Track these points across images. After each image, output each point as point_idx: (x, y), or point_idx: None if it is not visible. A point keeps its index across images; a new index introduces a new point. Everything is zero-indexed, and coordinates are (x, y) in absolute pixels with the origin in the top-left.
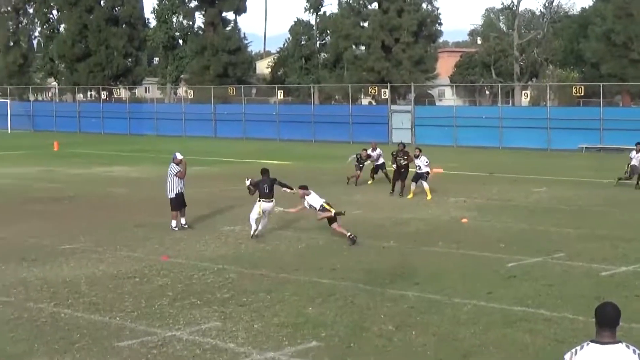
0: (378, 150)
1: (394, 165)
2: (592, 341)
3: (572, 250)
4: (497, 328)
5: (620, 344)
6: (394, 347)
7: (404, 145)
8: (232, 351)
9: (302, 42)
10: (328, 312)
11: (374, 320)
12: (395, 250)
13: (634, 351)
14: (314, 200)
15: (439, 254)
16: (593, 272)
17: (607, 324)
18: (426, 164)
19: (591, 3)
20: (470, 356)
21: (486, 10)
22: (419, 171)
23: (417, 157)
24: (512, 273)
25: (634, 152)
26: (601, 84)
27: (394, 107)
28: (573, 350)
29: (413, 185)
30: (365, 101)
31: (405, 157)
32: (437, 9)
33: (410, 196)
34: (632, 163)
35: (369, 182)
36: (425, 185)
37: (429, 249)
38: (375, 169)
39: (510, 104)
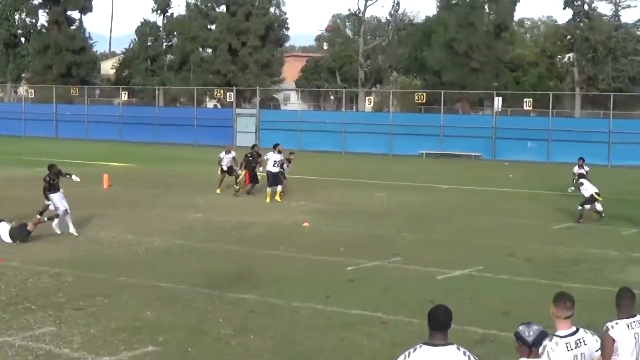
0: (231, 154)
1: (244, 168)
2: (424, 343)
3: (410, 254)
4: (335, 331)
5: (451, 345)
6: (232, 351)
7: (253, 146)
8: (66, 356)
9: (149, 43)
10: (166, 316)
11: (212, 324)
12: (236, 254)
13: (465, 353)
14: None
15: (279, 257)
16: (429, 275)
17: (438, 326)
18: (274, 164)
19: (435, 12)
20: (307, 359)
21: (333, 16)
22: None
23: (289, 160)
24: (351, 277)
25: (576, 167)
26: (442, 92)
27: (239, 110)
28: (406, 353)
29: (269, 190)
30: (210, 104)
31: (257, 160)
32: (285, 13)
33: (267, 200)
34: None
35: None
36: (279, 188)
37: (269, 252)
38: (229, 171)
39: (354, 110)
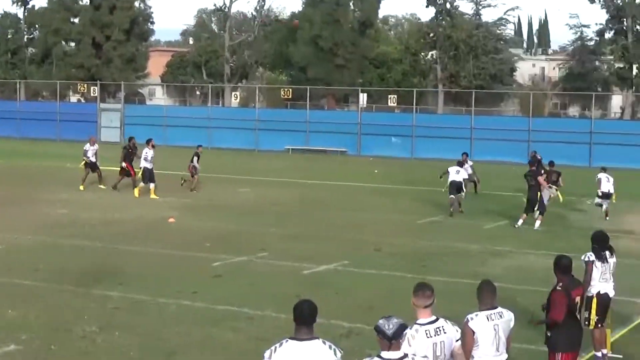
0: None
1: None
2: (290, 338)
3: (276, 250)
4: (202, 327)
5: (317, 339)
6: (98, 348)
7: (130, 139)
8: None
9: (9, 36)
10: (29, 315)
11: (77, 321)
12: (101, 250)
13: (330, 346)
14: None
15: (145, 253)
16: (296, 270)
17: (303, 321)
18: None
19: (300, 8)
20: (174, 355)
21: (198, 11)
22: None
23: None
24: (217, 272)
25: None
26: (308, 88)
27: (103, 105)
28: (272, 348)
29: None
30: (74, 98)
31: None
32: (150, 7)
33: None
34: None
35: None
36: (152, 185)
37: (135, 248)
38: (92, 167)
39: (220, 105)
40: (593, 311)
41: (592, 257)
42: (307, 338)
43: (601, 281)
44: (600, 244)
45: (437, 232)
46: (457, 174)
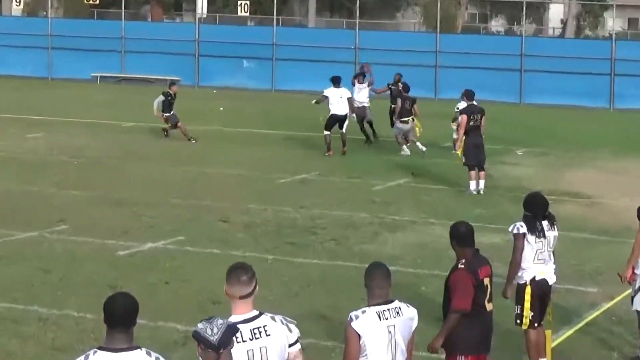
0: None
1: None
2: (100, 348)
3: (80, 221)
4: None
5: (138, 349)
6: None
7: None
8: None
9: None
10: None
11: None
12: None
13: (157, 358)
14: None
15: None
16: (107, 250)
17: (118, 323)
18: None
19: None
20: None
21: None
22: None
23: None
24: None
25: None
26: None
27: None
28: None
29: None
30: None
31: None
32: None
33: None
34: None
35: None
36: None
37: None
38: None
39: None
40: (527, 305)
41: (523, 229)
42: (123, 348)
43: (537, 262)
44: (536, 210)
45: (309, 195)
46: (340, 104)
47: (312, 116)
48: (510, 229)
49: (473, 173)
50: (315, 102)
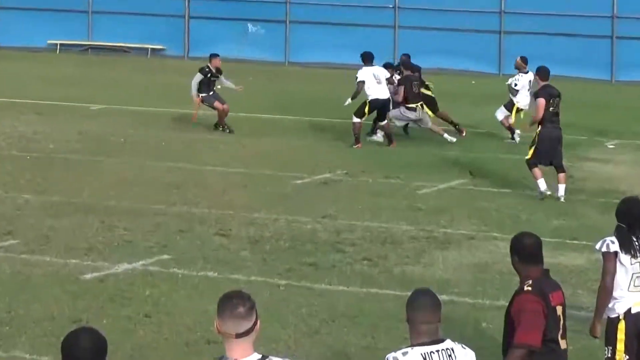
0: None
1: None
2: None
3: (33, 234)
4: None
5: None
6: None
7: None
8: None
9: None
10: None
11: None
12: None
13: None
14: None
15: None
16: (70, 273)
17: None
18: None
19: None
20: None
21: None
22: None
23: None
24: None
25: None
26: None
27: None
28: None
29: None
30: None
31: None
32: None
33: None
34: None
35: None
36: None
37: None
38: None
39: None
40: (619, 345)
41: (615, 246)
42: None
43: (633, 290)
44: (632, 221)
45: (334, 200)
46: (378, 86)
47: (337, 96)
48: (598, 247)
49: (538, 171)
50: (352, 99)
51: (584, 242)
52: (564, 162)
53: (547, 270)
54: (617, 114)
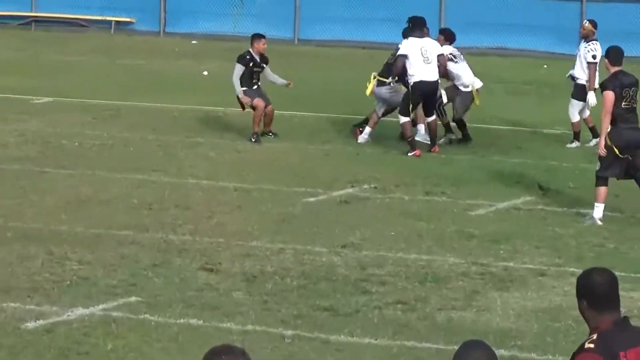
0: None
1: None
2: None
3: None
4: None
5: None
6: None
7: None
8: None
9: None
10: None
11: None
12: None
13: None
14: None
15: None
16: (6, 321)
17: None
18: None
19: None
20: None
21: None
22: None
23: None
24: None
25: None
26: None
27: None
28: None
29: None
30: None
31: None
32: None
33: None
34: None
35: None
36: None
37: None
38: None
39: None
40: None
41: None
42: None
43: None
44: None
45: (357, 225)
46: (427, 66)
47: (360, 85)
48: None
49: (603, 191)
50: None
51: None
52: None
53: (625, 319)
54: None
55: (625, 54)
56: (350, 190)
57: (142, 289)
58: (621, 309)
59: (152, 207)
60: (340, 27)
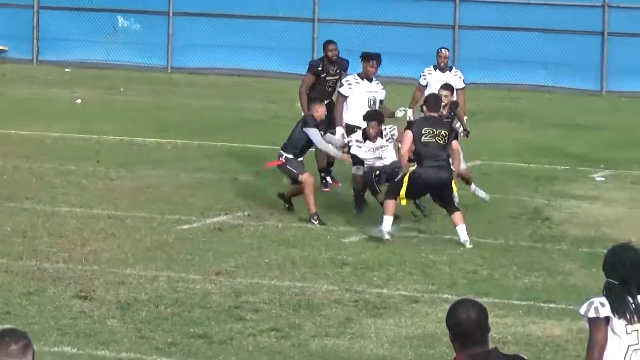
0: None
1: None
2: None
3: None
4: None
5: None
6: None
7: None
8: None
9: None
10: None
11: None
12: None
13: None
14: None
15: None
16: None
17: None
18: None
19: None
20: None
21: None
22: None
23: None
24: None
25: None
26: None
27: None
28: None
29: None
30: None
31: None
32: None
33: None
34: None
35: None
36: None
37: None
38: None
39: None
40: None
41: (606, 309)
42: None
43: None
44: (626, 275)
45: (231, 251)
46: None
47: (238, 114)
48: (583, 311)
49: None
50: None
51: (563, 306)
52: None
53: (493, 350)
54: (609, 135)
55: None
56: (224, 217)
57: (15, 317)
58: (495, 335)
59: (25, 234)
60: (212, 55)
